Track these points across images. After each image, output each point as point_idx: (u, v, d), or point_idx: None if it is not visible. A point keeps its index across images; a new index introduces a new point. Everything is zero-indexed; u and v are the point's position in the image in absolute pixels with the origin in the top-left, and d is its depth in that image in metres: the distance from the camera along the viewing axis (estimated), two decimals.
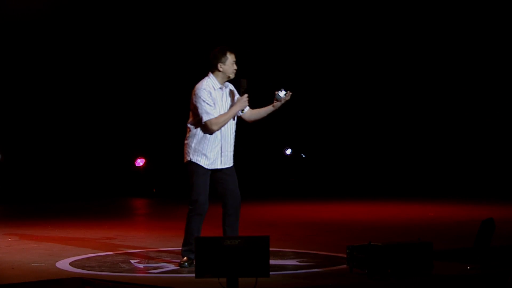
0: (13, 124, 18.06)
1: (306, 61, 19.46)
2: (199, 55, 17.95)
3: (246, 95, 7.46)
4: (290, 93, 7.49)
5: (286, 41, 19.07)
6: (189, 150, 7.40)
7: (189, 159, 7.41)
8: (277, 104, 7.50)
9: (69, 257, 7.99)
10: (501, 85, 19.02)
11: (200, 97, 7.31)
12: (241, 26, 18.06)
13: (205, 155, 7.36)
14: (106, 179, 18.34)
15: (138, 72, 18.41)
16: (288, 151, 20.46)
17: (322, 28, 19.27)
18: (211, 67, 7.45)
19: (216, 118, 7.31)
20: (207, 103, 7.30)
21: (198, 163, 7.37)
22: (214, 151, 7.38)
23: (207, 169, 7.38)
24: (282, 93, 7.46)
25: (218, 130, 7.35)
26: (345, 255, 6.82)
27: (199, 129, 7.38)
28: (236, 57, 7.45)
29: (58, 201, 16.41)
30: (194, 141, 7.39)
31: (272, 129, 18.95)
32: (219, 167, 7.42)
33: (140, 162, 18.65)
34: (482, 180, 18.43)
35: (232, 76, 7.46)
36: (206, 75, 7.47)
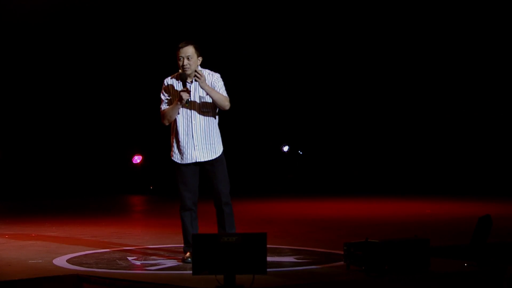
0: (10, 122, 18.05)
1: (303, 58, 19.46)
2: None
3: (183, 88, 7.24)
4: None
5: (285, 38, 19.06)
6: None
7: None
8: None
9: (66, 254, 7.98)
10: (497, 82, 19.03)
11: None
12: (240, 24, 18.05)
13: (178, 149, 7.34)
14: (104, 176, 18.35)
15: (135, 69, 18.40)
16: (286, 148, 20.47)
17: (319, 24, 19.26)
18: None
19: (163, 110, 7.34)
20: (161, 95, 7.37)
21: (173, 159, 7.39)
22: (187, 145, 7.31)
23: (182, 164, 7.35)
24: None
25: (165, 122, 7.32)
26: (342, 252, 6.82)
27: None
28: (184, 53, 7.21)
29: (55, 198, 16.41)
30: (171, 137, 7.42)
31: (270, 126, 18.96)
32: (193, 161, 7.33)
33: (137, 159, 18.65)
34: (479, 177, 18.46)
35: (183, 72, 7.24)
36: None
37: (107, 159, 18.63)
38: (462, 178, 18.49)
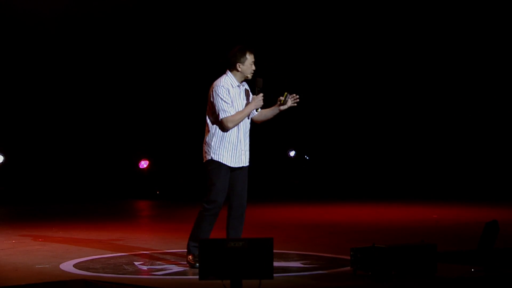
0: (16, 126, 18.08)
1: (310, 63, 19.46)
2: (203, 56, 18.04)
3: (261, 94, 7.45)
4: (295, 95, 7.49)
5: (291, 43, 19.07)
6: (209, 149, 7.32)
7: (210, 158, 7.32)
8: (283, 107, 7.49)
9: (73, 259, 7.99)
10: (504, 86, 18.99)
11: (218, 95, 7.27)
12: (245, 27, 18.06)
13: (227, 153, 7.32)
14: (110, 181, 18.36)
15: (142, 73, 18.43)
16: (292, 153, 20.46)
17: (326, 31, 19.26)
18: (230, 66, 7.39)
19: (232, 116, 7.28)
20: (225, 101, 7.26)
21: (221, 161, 7.31)
22: (236, 149, 7.35)
23: (230, 167, 7.33)
24: (289, 101, 7.47)
25: (233, 127, 7.31)
26: (349, 257, 6.81)
27: (218, 127, 7.33)
28: (255, 57, 7.43)
29: (62, 202, 16.43)
30: (214, 139, 7.32)
31: (276, 131, 18.96)
32: (241, 165, 7.38)
33: (144, 164, 18.66)
34: (486, 182, 18.41)
35: (249, 76, 7.42)
36: (223, 72, 7.42)
37: (114, 164, 18.64)
38: (469, 183, 18.45)
